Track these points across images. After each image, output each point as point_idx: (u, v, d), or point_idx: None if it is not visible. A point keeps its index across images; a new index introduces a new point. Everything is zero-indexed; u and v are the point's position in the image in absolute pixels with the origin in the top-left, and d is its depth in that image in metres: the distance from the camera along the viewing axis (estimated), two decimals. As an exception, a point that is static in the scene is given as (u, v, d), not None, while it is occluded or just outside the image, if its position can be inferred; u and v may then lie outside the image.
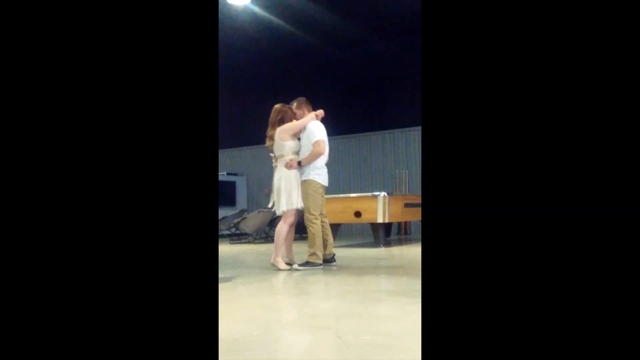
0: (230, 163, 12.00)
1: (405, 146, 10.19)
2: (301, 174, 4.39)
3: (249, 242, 8.68)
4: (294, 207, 4.34)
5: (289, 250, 4.58)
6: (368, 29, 9.23)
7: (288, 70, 10.85)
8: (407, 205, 7.22)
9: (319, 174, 4.36)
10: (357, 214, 6.77)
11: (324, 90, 10.63)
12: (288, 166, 4.35)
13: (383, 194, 6.66)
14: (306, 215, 4.35)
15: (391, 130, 10.34)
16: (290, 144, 4.41)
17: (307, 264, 4.36)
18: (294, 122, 4.47)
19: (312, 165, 4.33)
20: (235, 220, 8.92)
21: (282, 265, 4.37)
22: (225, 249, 7.41)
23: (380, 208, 6.58)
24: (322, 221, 4.45)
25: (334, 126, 10.61)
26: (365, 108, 10.52)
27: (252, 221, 8.49)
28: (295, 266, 4.38)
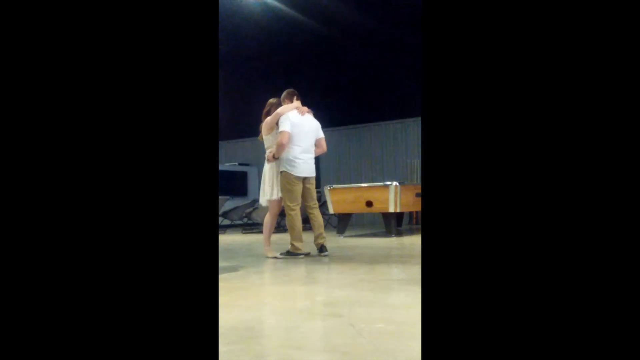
0: (242, 153, 12.04)
1: (417, 136, 10.15)
2: (279, 166, 4.56)
3: (260, 232, 8.72)
4: (268, 198, 4.60)
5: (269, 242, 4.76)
6: (380, 16, 9.17)
7: (300, 60, 10.82)
8: (418, 195, 7.20)
9: (293, 165, 4.44)
10: (369, 204, 6.77)
11: (336, 80, 10.60)
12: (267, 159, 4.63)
13: (395, 183, 6.65)
14: (284, 206, 4.56)
15: (403, 120, 10.30)
16: (271, 138, 4.60)
17: (287, 253, 4.54)
18: (269, 116, 4.62)
19: (286, 157, 4.45)
20: (247, 210, 8.97)
21: (270, 254, 4.59)
22: (238, 239, 7.46)
23: (392, 198, 6.58)
24: (309, 212, 4.60)
25: (346, 115, 10.62)
26: (377, 97, 10.48)
27: (264, 211, 8.51)
28: (278, 255, 4.56)
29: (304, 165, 4.49)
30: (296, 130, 4.46)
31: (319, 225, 4.57)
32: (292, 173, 4.45)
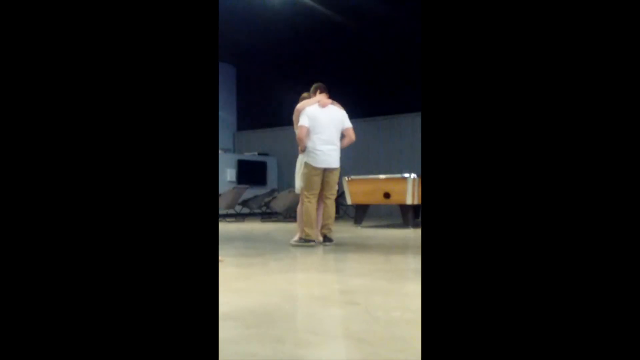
0: (261, 143, 12.10)
1: (436, 128, 10.07)
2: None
3: (279, 221, 8.80)
4: (298, 187, 4.81)
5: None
6: (401, 6, 9.10)
7: (320, 51, 10.81)
8: (437, 187, 7.17)
9: (312, 156, 4.61)
10: (386, 195, 6.79)
11: (355, 72, 10.57)
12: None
13: (413, 175, 6.64)
14: (301, 194, 4.75)
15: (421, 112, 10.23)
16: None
17: (299, 240, 4.65)
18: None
19: (307, 149, 4.63)
20: (266, 200, 9.06)
21: (294, 240, 4.74)
22: (257, 227, 7.54)
23: (410, 190, 6.58)
24: (324, 201, 4.72)
25: (365, 107, 10.57)
26: (397, 89, 10.44)
27: (283, 200, 8.60)
28: (291, 242, 4.72)
29: (323, 157, 4.58)
30: (314, 123, 4.60)
31: (327, 216, 4.69)
32: (312, 164, 4.59)
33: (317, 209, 4.78)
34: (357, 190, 7.03)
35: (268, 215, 9.70)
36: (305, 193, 4.63)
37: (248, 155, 11.53)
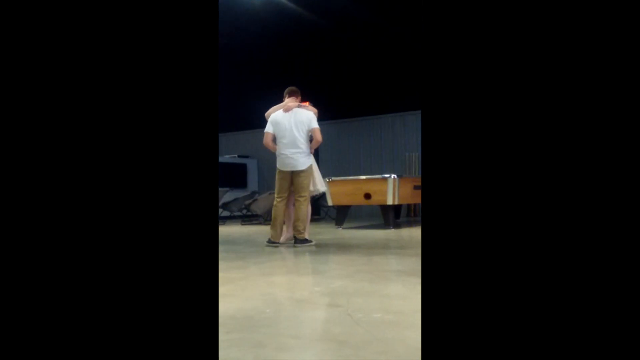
0: (241, 145, 12.05)
1: (415, 129, 10.16)
2: None
3: (259, 224, 8.76)
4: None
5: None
6: (380, 11, 9.15)
7: (299, 53, 10.80)
8: (416, 187, 7.23)
9: (278, 160, 4.82)
10: (367, 196, 6.80)
11: (335, 73, 10.58)
12: None
13: (393, 176, 6.67)
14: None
15: (402, 113, 10.31)
16: None
17: (268, 242, 4.85)
18: None
19: (276, 154, 4.82)
20: (247, 202, 9.01)
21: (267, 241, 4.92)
22: (237, 230, 7.49)
23: (390, 190, 6.61)
24: (294, 203, 4.82)
25: (345, 108, 10.60)
26: (376, 90, 10.48)
27: (263, 203, 8.57)
28: (265, 243, 4.90)
29: (287, 160, 4.72)
30: (277, 128, 4.78)
31: (296, 218, 4.75)
32: (279, 167, 4.80)
33: (290, 211, 4.94)
34: (338, 192, 7.04)
35: (248, 218, 9.65)
36: (275, 196, 4.84)
37: (228, 158, 11.48)
